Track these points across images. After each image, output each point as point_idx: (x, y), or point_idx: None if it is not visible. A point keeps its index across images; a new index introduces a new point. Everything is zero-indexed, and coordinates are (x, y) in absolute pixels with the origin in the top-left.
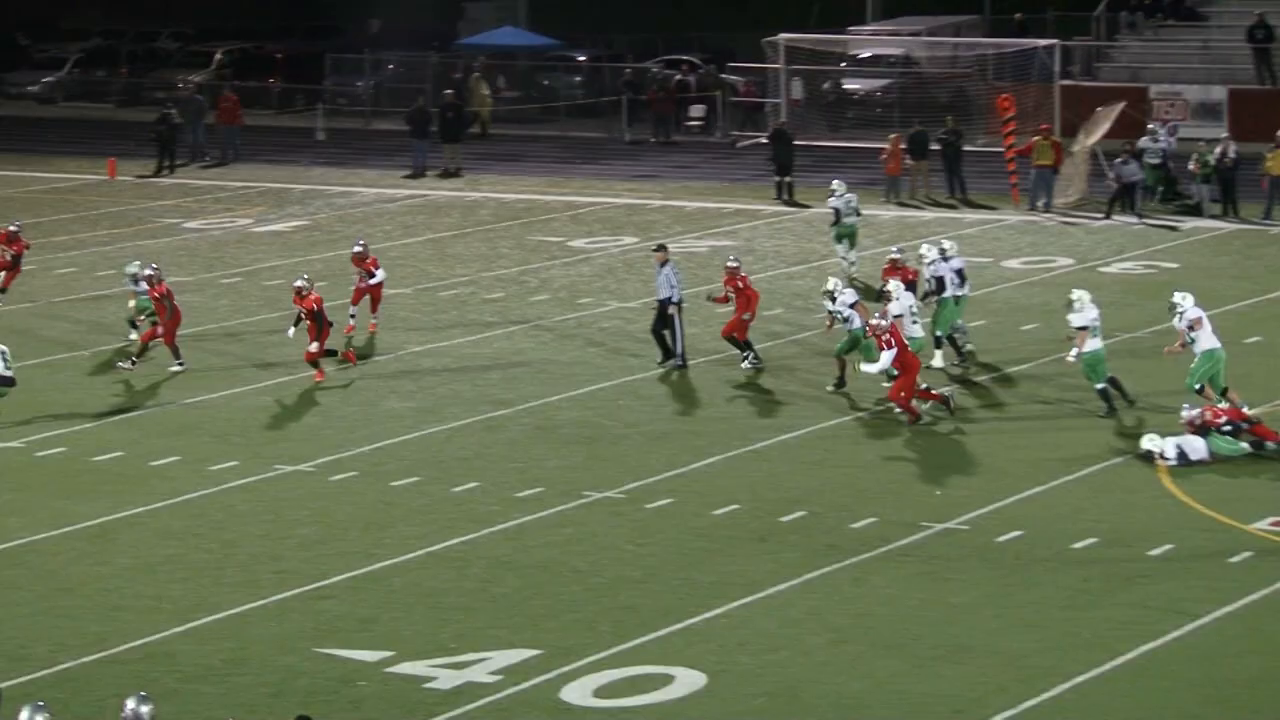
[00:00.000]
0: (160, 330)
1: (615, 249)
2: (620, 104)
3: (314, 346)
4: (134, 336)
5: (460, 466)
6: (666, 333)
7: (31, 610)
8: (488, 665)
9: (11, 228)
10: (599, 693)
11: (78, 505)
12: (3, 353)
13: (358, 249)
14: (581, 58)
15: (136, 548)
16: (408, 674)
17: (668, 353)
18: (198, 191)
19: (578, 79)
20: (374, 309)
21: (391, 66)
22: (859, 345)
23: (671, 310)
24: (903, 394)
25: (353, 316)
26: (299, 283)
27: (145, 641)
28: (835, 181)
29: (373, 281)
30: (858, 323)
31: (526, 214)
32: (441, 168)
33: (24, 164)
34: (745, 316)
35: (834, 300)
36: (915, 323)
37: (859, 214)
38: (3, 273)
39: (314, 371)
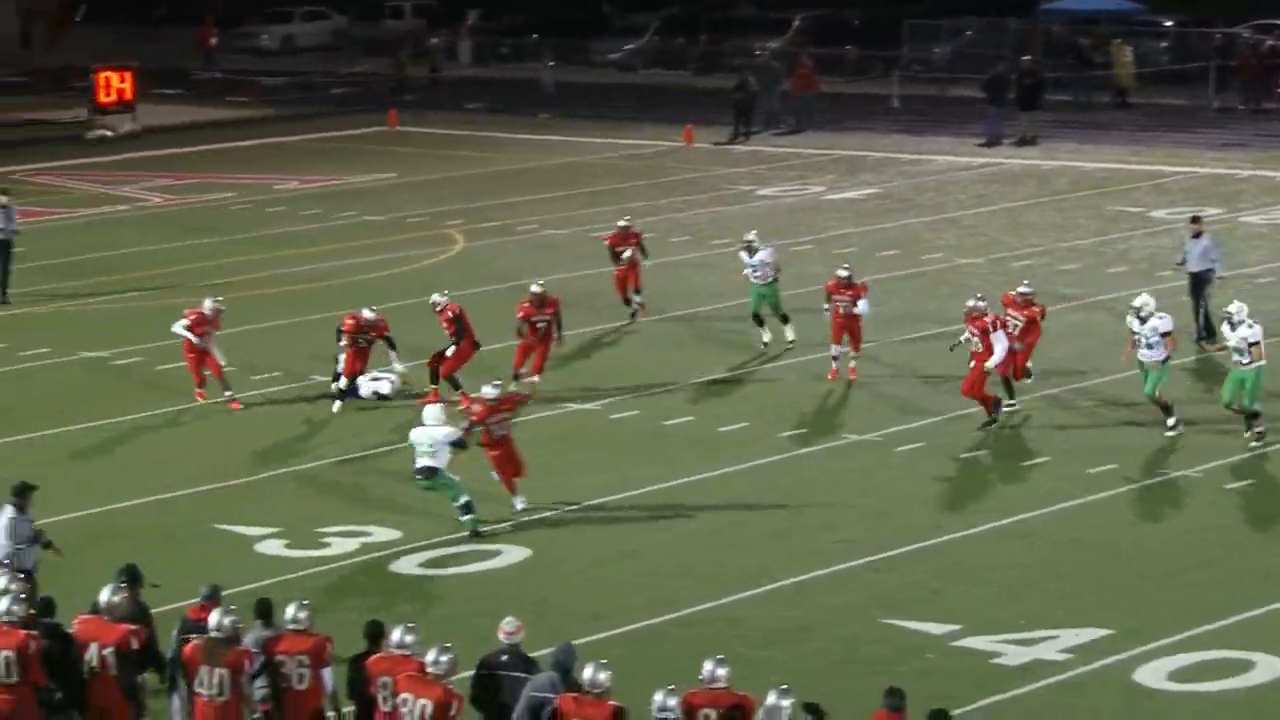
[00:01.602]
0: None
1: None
2: (1208, 70)
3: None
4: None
5: (1029, 440)
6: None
7: (600, 572)
8: (1057, 643)
9: (622, 223)
10: (1174, 676)
11: (645, 469)
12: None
13: (622, 223)
14: (1168, 23)
15: (702, 513)
16: (975, 648)
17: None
18: (772, 158)
19: (1164, 45)
20: (635, 285)
21: (969, 32)
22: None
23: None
24: None
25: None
26: (437, 298)
27: (711, 605)
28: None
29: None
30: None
31: (1106, 183)
32: (1017, 136)
33: (605, 131)
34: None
35: (1142, 321)
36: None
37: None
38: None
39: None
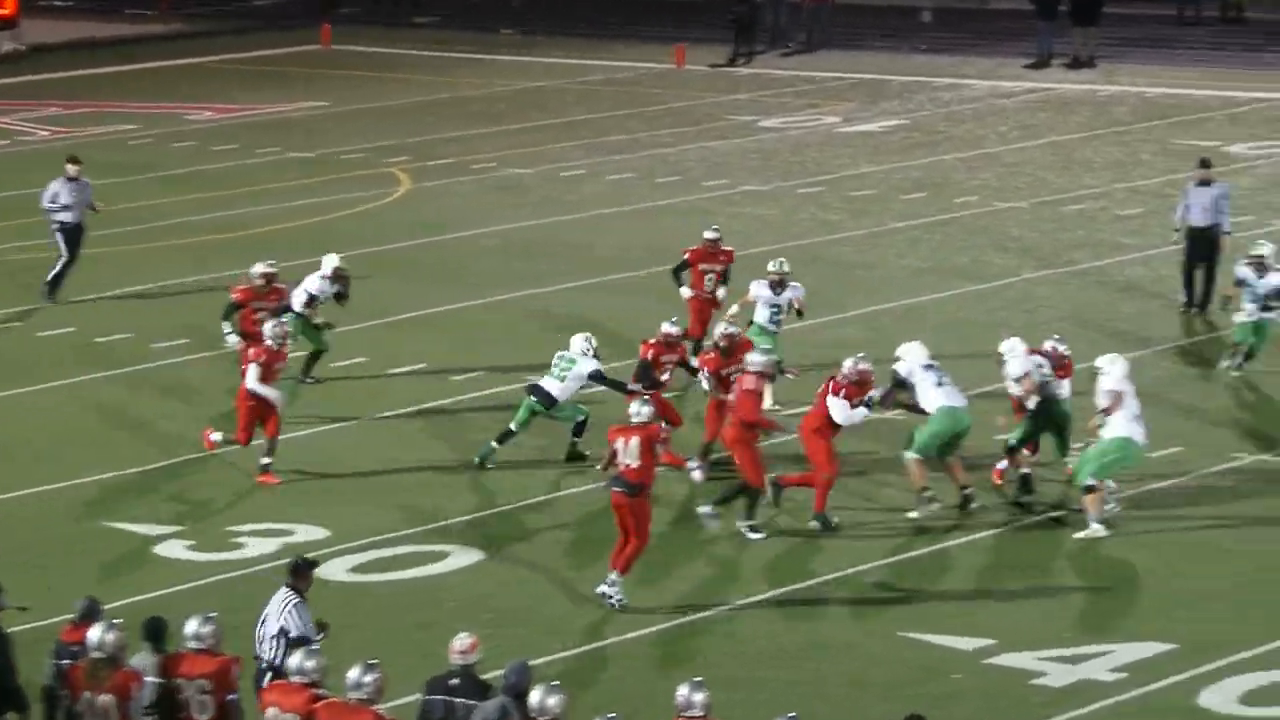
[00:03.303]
0: None
1: None
2: None
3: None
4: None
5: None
6: None
7: (565, 578)
8: (1109, 660)
9: (711, 233)
10: (1247, 699)
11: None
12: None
13: (710, 235)
14: None
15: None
16: (1010, 666)
17: None
18: (777, 83)
19: None
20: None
21: None
22: None
23: None
24: None
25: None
26: (668, 328)
27: (697, 618)
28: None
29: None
30: None
31: (1174, 112)
32: (1071, 55)
33: (581, 51)
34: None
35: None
36: None
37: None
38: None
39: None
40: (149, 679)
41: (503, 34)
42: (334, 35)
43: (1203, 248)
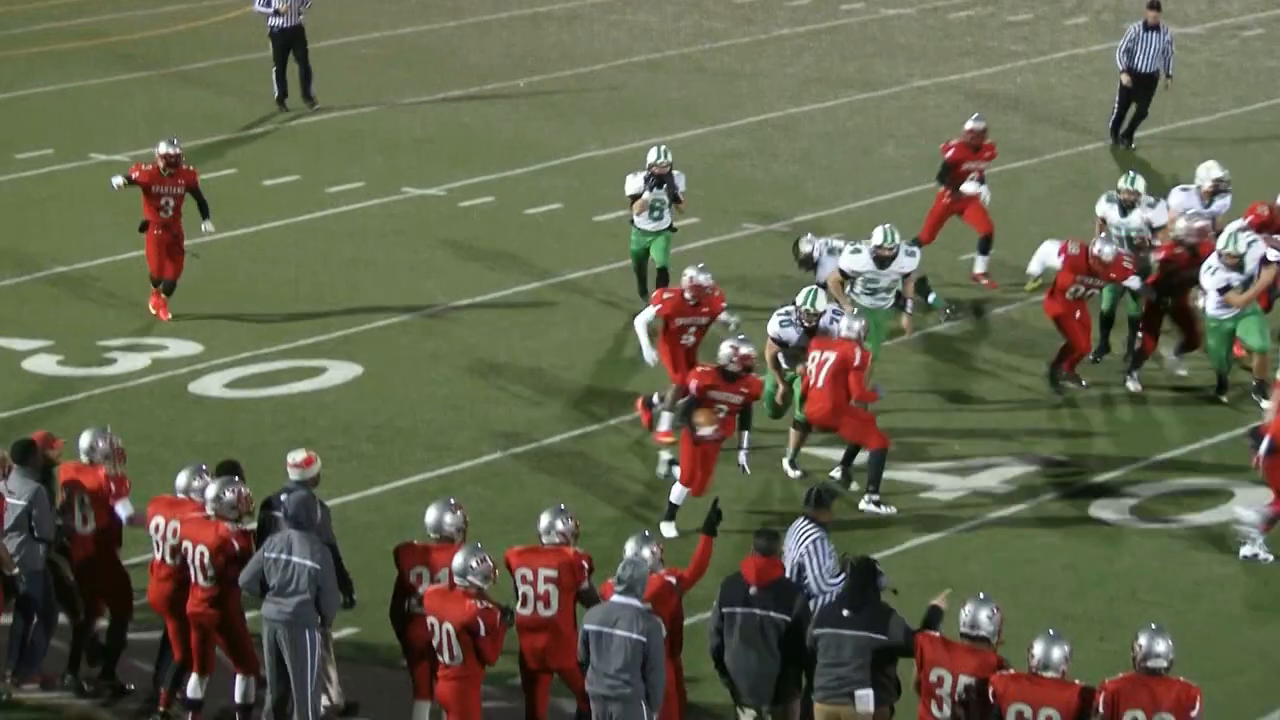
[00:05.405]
0: None
1: None
2: None
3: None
4: None
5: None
6: None
7: (446, 392)
8: (999, 473)
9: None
10: (1135, 511)
11: (503, 273)
12: None
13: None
14: None
15: (568, 320)
16: (900, 479)
17: None
18: None
19: None
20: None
21: None
22: None
23: None
24: None
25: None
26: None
27: (579, 432)
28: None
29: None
30: None
31: None
32: None
33: None
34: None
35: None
36: None
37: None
38: None
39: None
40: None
41: None
42: None
43: (1141, 91)
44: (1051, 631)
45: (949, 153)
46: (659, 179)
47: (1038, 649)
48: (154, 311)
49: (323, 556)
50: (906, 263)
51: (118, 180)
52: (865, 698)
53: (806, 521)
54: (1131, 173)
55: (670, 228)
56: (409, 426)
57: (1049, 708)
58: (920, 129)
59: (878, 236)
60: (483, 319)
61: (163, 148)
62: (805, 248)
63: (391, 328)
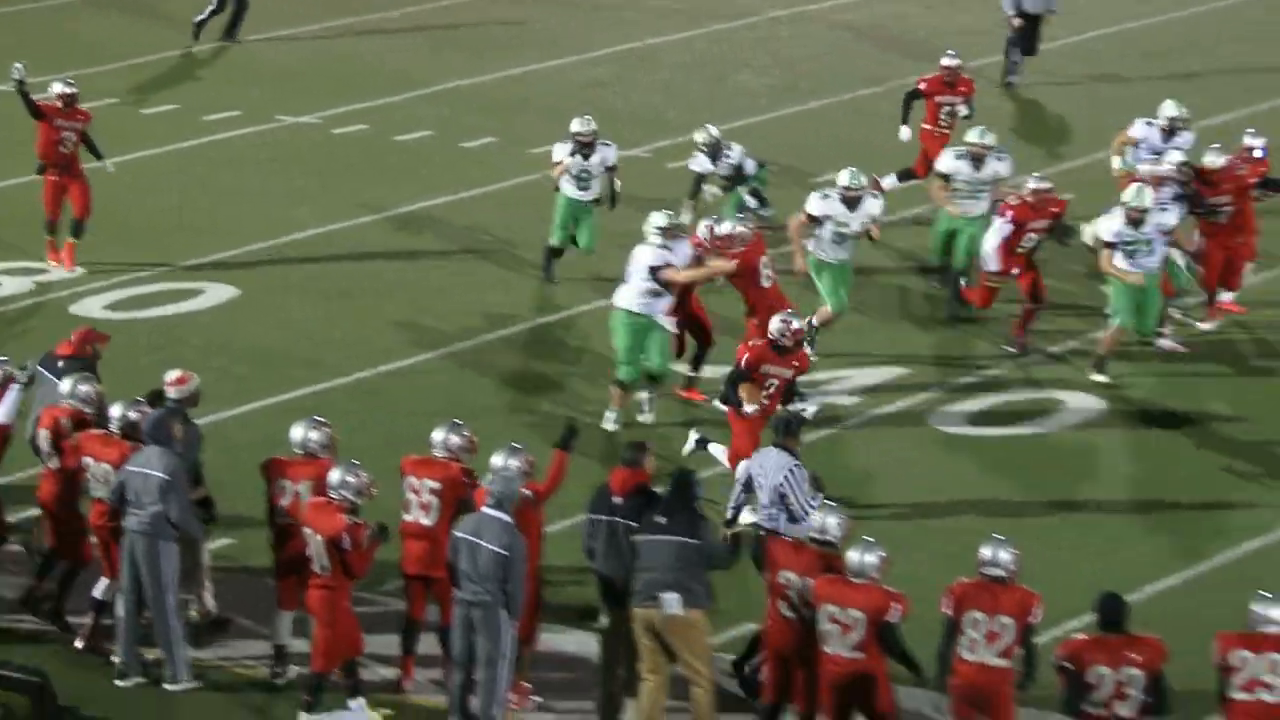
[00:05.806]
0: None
1: None
2: None
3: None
4: None
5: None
6: None
7: (320, 312)
8: (845, 384)
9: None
10: (975, 419)
11: (376, 188)
12: None
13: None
14: None
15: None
16: None
17: None
18: None
19: None
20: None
21: None
22: None
23: None
24: None
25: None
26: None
27: (459, 347)
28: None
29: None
30: None
31: None
32: None
33: None
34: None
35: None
36: None
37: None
38: None
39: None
40: None
41: None
42: None
43: (1029, 33)
44: (868, 539)
45: (922, 85)
46: (584, 147)
47: (853, 556)
48: (52, 265)
49: (174, 469)
50: (874, 205)
51: (19, 66)
52: (671, 600)
53: (779, 450)
54: (981, 127)
55: (597, 200)
56: (284, 347)
57: (855, 610)
58: (774, 58)
59: (844, 178)
60: (356, 243)
61: (58, 87)
62: (700, 136)
63: (267, 250)
